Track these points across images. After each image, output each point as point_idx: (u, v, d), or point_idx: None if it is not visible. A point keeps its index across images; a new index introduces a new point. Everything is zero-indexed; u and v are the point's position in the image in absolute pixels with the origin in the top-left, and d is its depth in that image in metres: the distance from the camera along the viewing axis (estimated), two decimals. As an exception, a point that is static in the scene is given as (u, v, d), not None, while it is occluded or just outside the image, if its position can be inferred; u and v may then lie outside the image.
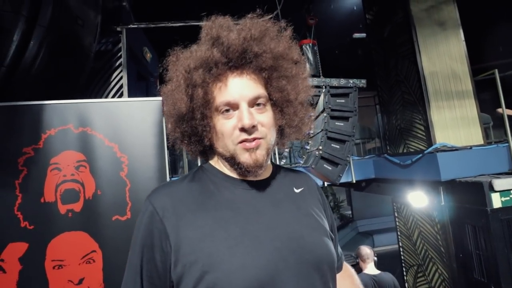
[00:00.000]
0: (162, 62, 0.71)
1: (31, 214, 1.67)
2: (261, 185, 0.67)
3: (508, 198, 2.44)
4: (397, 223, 3.73)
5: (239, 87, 0.62)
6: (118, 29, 3.03)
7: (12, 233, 1.64)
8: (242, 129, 0.61)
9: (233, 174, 0.67)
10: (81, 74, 2.48)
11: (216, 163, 0.70)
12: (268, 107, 0.65)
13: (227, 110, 0.62)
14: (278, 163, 3.54)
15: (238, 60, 0.63)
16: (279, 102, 0.66)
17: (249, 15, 0.68)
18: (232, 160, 0.64)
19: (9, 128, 1.74)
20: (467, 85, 3.18)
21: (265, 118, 0.63)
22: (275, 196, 0.66)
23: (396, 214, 3.76)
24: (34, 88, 2.04)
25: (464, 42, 3.26)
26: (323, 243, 0.64)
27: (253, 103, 0.63)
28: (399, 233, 3.70)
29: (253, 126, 0.61)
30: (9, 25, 1.84)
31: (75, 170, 1.76)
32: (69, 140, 1.78)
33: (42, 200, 1.69)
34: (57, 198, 1.72)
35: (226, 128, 0.62)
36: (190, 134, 0.67)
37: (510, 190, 2.45)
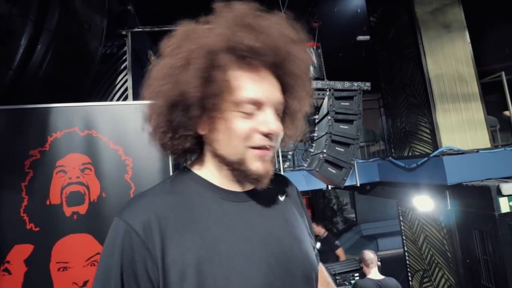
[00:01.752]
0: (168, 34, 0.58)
1: (36, 216, 1.68)
2: (249, 196, 0.59)
3: (516, 202, 2.40)
4: (402, 227, 3.69)
5: (269, 88, 0.55)
6: (123, 32, 3.06)
7: (17, 235, 1.65)
8: (266, 135, 0.54)
9: (220, 184, 0.58)
10: (87, 77, 2.51)
11: (198, 169, 0.60)
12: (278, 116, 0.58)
13: (249, 110, 0.53)
14: (281, 166, 3.53)
15: (274, 58, 0.54)
16: (291, 112, 0.61)
17: (282, 14, 0.58)
18: (236, 166, 0.55)
19: (16, 131, 1.76)
20: (473, 87, 3.15)
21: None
22: (264, 208, 0.60)
23: (401, 218, 3.73)
24: (41, 91, 2.06)
25: (470, 44, 3.23)
26: (309, 255, 0.61)
27: (276, 109, 0.56)
28: (404, 238, 3.66)
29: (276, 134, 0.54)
30: (17, 29, 1.87)
31: (81, 172, 1.77)
32: (74, 143, 1.80)
33: (47, 202, 1.70)
34: (63, 200, 1.73)
35: (243, 128, 0.53)
36: (181, 126, 0.55)
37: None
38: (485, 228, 2.42)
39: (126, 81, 2.93)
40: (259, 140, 0.54)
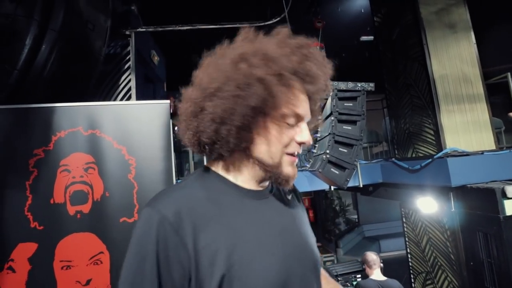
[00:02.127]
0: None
1: (40, 215, 1.69)
2: (265, 195, 0.68)
3: (521, 205, 2.37)
4: (405, 229, 3.67)
5: (307, 105, 0.65)
6: (127, 32, 3.07)
7: (22, 233, 1.66)
8: (300, 144, 0.64)
9: (241, 183, 0.65)
10: (91, 77, 2.52)
11: (221, 169, 0.66)
12: None
13: (292, 122, 0.63)
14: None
15: (320, 84, 0.65)
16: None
17: (303, 39, 0.67)
18: (271, 168, 0.63)
19: (20, 130, 1.78)
20: (479, 88, 3.12)
21: None
22: (278, 205, 0.69)
23: (404, 220, 3.71)
24: (45, 91, 2.08)
25: (475, 45, 3.20)
26: (314, 248, 0.70)
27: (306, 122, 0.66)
28: (407, 239, 3.63)
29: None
30: (22, 30, 1.88)
31: (84, 172, 1.78)
32: (78, 142, 1.81)
33: (51, 201, 1.72)
34: (66, 199, 1.74)
35: (285, 137, 0.62)
36: (226, 134, 0.60)
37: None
38: (489, 230, 2.40)
39: (129, 81, 2.95)
40: (294, 147, 0.63)
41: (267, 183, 0.69)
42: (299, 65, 0.62)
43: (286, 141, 0.62)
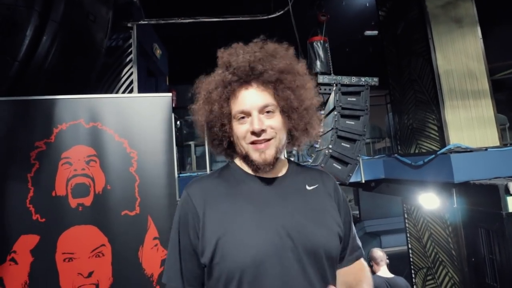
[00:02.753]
0: (193, 87, 0.87)
1: (42, 207, 1.69)
2: (273, 181, 0.80)
3: (524, 202, 2.36)
4: (407, 225, 3.67)
5: (250, 98, 0.76)
6: (129, 25, 3.04)
7: (24, 225, 1.67)
8: (253, 132, 0.74)
9: (251, 171, 0.80)
10: (92, 69, 2.50)
11: (238, 161, 0.84)
12: (277, 113, 0.77)
13: (242, 117, 0.76)
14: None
15: (246, 77, 0.76)
16: (285, 109, 0.78)
17: (254, 40, 0.82)
18: (246, 158, 0.78)
19: (22, 122, 1.77)
20: (484, 84, 3.08)
21: (273, 122, 0.76)
22: (284, 191, 0.78)
23: (406, 216, 3.70)
24: (47, 82, 2.06)
25: (481, 40, 3.15)
26: (322, 233, 0.74)
27: (263, 110, 0.76)
28: (408, 235, 3.63)
29: (262, 130, 0.74)
30: (22, 20, 1.86)
31: (86, 164, 1.78)
32: (80, 134, 1.80)
33: (53, 194, 1.72)
34: (68, 192, 1.74)
35: (241, 131, 0.76)
36: (215, 137, 0.82)
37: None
38: (491, 227, 2.39)
39: (131, 73, 2.93)
40: (250, 137, 0.75)
41: (281, 171, 0.82)
42: (230, 63, 0.78)
43: (243, 133, 0.76)
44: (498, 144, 2.94)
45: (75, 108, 1.83)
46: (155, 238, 1.90)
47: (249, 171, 0.80)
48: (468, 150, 2.75)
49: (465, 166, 2.61)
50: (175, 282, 0.77)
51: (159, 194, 1.89)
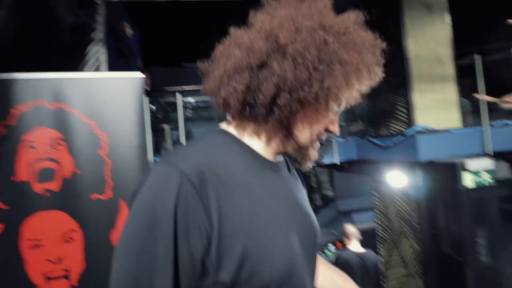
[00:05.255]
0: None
1: (5, 193, 1.60)
2: (279, 167, 0.64)
3: (479, 178, 2.57)
4: (376, 202, 3.88)
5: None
6: (97, 1, 2.83)
7: (-15, 213, 1.58)
8: (330, 133, 0.62)
9: (262, 152, 0.60)
10: (55, 47, 2.33)
11: (240, 133, 0.60)
12: None
13: (337, 111, 0.59)
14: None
15: (368, 86, 0.61)
16: None
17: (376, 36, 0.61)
18: (301, 149, 0.60)
19: (-24, 103, 1.63)
20: (449, 69, 3.24)
21: None
22: (288, 178, 0.66)
23: (375, 194, 3.90)
24: (4, 60, 1.90)
25: (450, 26, 3.28)
26: (316, 223, 0.68)
27: None
28: (377, 211, 3.85)
29: None
30: (-30, -11, 1.68)
31: (51, 148, 1.69)
32: (43, 116, 1.69)
33: (15, 179, 1.62)
34: (32, 177, 1.65)
35: (325, 123, 0.59)
36: (283, 104, 0.54)
37: (481, 171, 2.59)
38: (450, 201, 2.59)
39: (98, 52, 2.76)
40: (324, 134, 0.61)
41: (280, 156, 0.65)
42: (372, 67, 0.57)
43: (324, 127, 0.60)
44: (460, 126, 3.14)
45: (38, 88, 1.71)
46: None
47: (259, 150, 0.59)
48: (433, 131, 2.92)
49: (429, 146, 2.77)
50: None
51: (133, 178, 1.86)
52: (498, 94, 3.59)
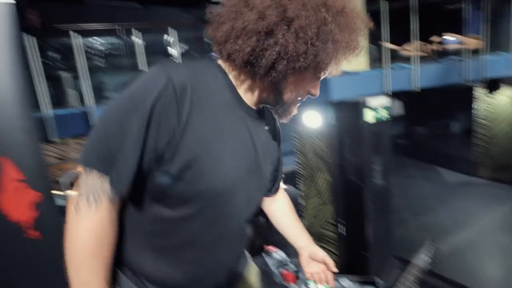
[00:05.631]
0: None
1: None
2: (255, 114, 0.74)
3: (378, 114, 2.95)
4: (295, 144, 4.14)
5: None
6: None
7: None
8: (311, 96, 0.71)
9: (244, 98, 0.70)
10: None
11: (233, 76, 0.69)
12: None
13: (320, 76, 0.69)
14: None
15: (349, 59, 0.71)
16: None
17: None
18: (285, 106, 0.71)
19: None
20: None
21: None
22: (262, 125, 0.77)
23: (294, 136, 4.16)
24: None
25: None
26: (270, 170, 0.83)
27: None
28: (297, 152, 4.16)
29: None
30: None
31: None
32: None
33: None
34: None
35: (309, 86, 0.70)
36: (280, 69, 0.63)
37: (380, 108, 2.96)
38: (354, 135, 2.94)
39: None
40: (306, 97, 0.71)
41: (268, 109, 0.78)
42: (357, 45, 0.67)
43: (308, 90, 0.70)
44: (367, 69, 3.44)
45: None
46: (20, 181, 1.60)
47: (242, 94, 0.69)
48: (344, 73, 3.13)
49: (340, 86, 2.99)
50: (109, 169, 0.57)
51: (14, 130, 1.53)
52: (402, 41, 4.01)
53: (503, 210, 3.85)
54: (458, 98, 5.96)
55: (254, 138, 0.71)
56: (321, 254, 1.01)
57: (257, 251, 3.20)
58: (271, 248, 3.22)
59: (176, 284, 0.70)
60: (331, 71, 0.68)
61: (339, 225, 3.28)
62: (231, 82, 0.68)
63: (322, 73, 0.67)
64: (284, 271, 2.95)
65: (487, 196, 4.26)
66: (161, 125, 0.57)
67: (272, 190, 0.99)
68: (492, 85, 4.40)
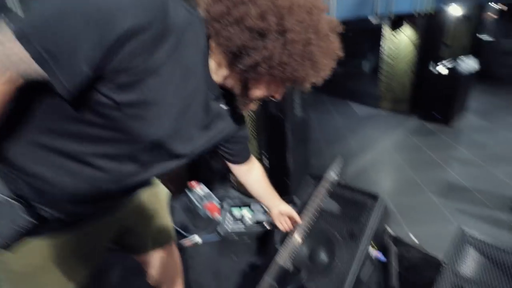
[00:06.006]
0: None
1: None
2: (216, 90, 0.79)
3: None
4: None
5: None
6: None
7: None
8: (272, 98, 0.78)
9: (213, 72, 0.75)
10: None
11: (214, 61, 0.74)
12: None
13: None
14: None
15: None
16: None
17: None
18: (245, 98, 0.77)
19: None
20: None
21: None
22: (218, 104, 0.82)
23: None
24: None
25: None
26: (217, 139, 0.92)
27: None
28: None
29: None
30: None
31: None
32: None
33: None
34: None
35: (274, 92, 0.77)
36: (261, 71, 0.68)
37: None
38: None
39: None
40: (268, 97, 0.79)
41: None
42: (329, 69, 0.71)
43: (272, 94, 0.75)
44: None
45: None
46: None
47: (213, 72, 0.74)
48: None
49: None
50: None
51: None
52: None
53: (398, 134, 4.52)
54: (370, 38, 6.44)
55: (213, 110, 0.78)
56: (289, 210, 1.25)
57: (181, 189, 3.08)
58: (193, 183, 3.15)
59: (46, 188, 0.69)
60: (301, 85, 0.70)
61: (263, 157, 3.36)
62: (207, 52, 0.70)
63: (292, 84, 0.70)
64: (208, 203, 2.94)
65: (388, 124, 4.91)
66: (124, 58, 0.55)
67: (234, 156, 1.13)
68: (396, 22, 4.76)
